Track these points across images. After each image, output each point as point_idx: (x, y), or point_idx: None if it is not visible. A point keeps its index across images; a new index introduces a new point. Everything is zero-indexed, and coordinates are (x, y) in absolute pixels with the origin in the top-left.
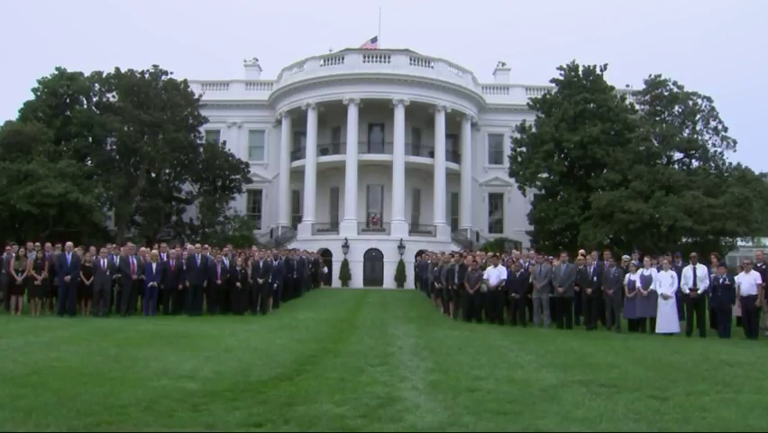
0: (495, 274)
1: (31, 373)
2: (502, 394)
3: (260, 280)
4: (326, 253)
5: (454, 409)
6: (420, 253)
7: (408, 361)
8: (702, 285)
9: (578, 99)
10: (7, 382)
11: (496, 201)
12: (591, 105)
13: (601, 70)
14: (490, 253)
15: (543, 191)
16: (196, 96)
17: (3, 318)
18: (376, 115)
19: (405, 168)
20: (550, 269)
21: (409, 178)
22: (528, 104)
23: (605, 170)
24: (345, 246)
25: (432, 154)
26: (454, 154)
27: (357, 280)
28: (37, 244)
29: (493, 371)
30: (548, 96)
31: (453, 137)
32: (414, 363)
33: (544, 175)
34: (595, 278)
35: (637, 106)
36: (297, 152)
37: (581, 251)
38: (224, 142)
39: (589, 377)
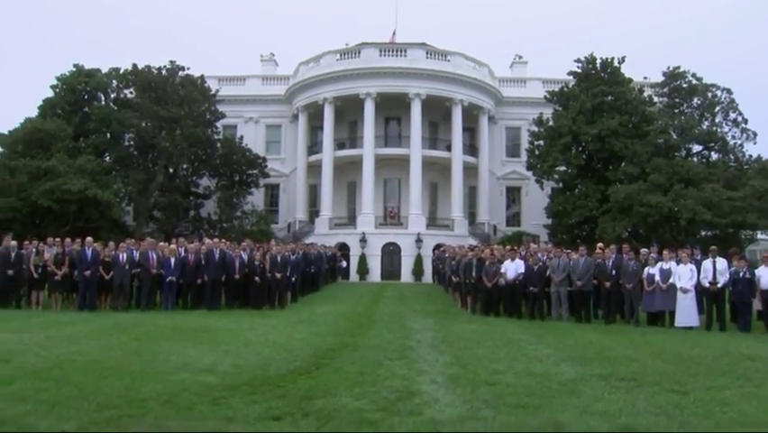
0: (513, 268)
1: (53, 366)
2: (521, 388)
3: (279, 275)
4: (344, 248)
5: (473, 402)
6: (438, 246)
7: (427, 355)
8: (722, 279)
9: (595, 92)
10: (30, 376)
11: (513, 195)
12: (609, 97)
13: (619, 63)
14: (508, 247)
15: (560, 184)
16: (213, 92)
17: (24, 313)
18: (393, 109)
19: (422, 162)
20: (568, 262)
21: (426, 171)
22: (545, 97)
23: (623, 163)
24: (363, 240)
25: (449, 148)
26: (471, 148)
27: (375, 274)
28: (57, 239)
29: (512, 364)
30: (565, 89)
31: (470, 131)
32: (432, 357)
33: (562, 168)
34: (614, 271)
35: (656, 99)
36: (313, 146)
37: (600, 244)
38: (242, 137)
39: (608, 371)
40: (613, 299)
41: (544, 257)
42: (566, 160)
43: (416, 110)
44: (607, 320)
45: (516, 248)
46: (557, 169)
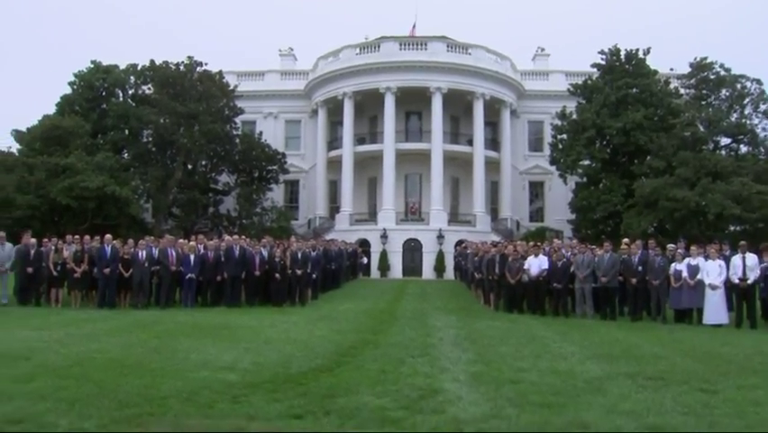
0: (536, 264)
1: (72, 364)
2: (545, 386)
3: (299, 271)
4: (365, 244)
5: (497, 400)
6: (460, 242)
7: (449, 352)
8: (752, 275)
9: (620, 84)
10: (50, 374)
11: (536, 190)
12: (634, 90)
13: (644, 54)
14: (531, 243)
15: (584, 179)
16: (232, 87)
17: (44, 311)
18: (413, 104)
19: (443, 156)
20: (593, 258)
21: (448, 166)
22: (569, 90)
23: (648, 157)
24: (384, 236)
25: (470, 142)
26: (493, 142)
27: (396, 270)
28: (76, 236)
29: (536, 362)
30: (589, 82)
31: (492, 125)
32: (455, 355)
33: (586, 162)
34: (640, 267)
35: (682, 91)
36: (333, 141)
37: (625, 240)
38: (261, 133)
39: (635, 369)
40: (639, 295)
41: (568, 253)
42: (590, 154)
43: (436, 104)
44: (633, 317)
45: (539, 244)
46: (581, 163)
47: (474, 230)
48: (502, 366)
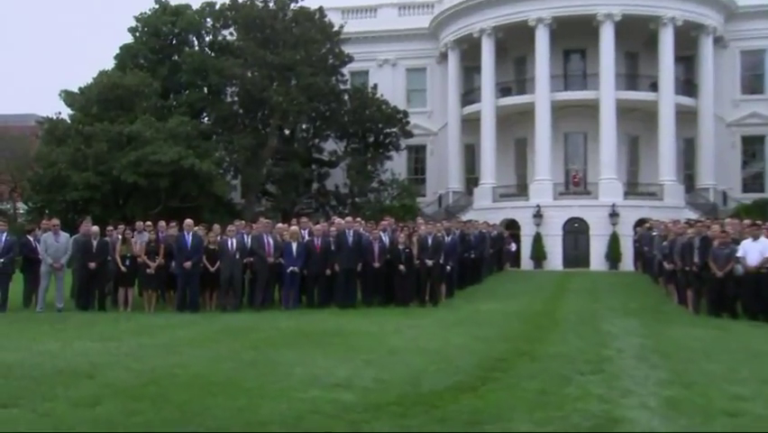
0: (755, 250)
1: (147, 382)
2: None
3: (429, 262)
4: (513, 226)
5: None
6: (641, 222)
7: (632, 369)
8: None
9: None
10: (120, 395)
11: (753, 148)
12: None
13: None
14: (747, 221)
15: None
16: (336, 29)
17: (110, 316)
18: (574, 39)
19: (616, 108)
20: None
21: (623, 121)
22: None
23: None
24: (538, 216)
25: (655, 87)
26: (688, 85)
27: (554, 259)
28: (148, 223)
29: (761, 388)
30: None
31: (686, 61)
32: (641, 373)
33: None
34: None
35: None
36: (469, 94)
37: None
38: (375, 86)
39: None
40: None
41: None
42: None
43: (606, 38)
44: None
45: (759, 223)
46: None
47: (661, 205)
48: (710, 391)
